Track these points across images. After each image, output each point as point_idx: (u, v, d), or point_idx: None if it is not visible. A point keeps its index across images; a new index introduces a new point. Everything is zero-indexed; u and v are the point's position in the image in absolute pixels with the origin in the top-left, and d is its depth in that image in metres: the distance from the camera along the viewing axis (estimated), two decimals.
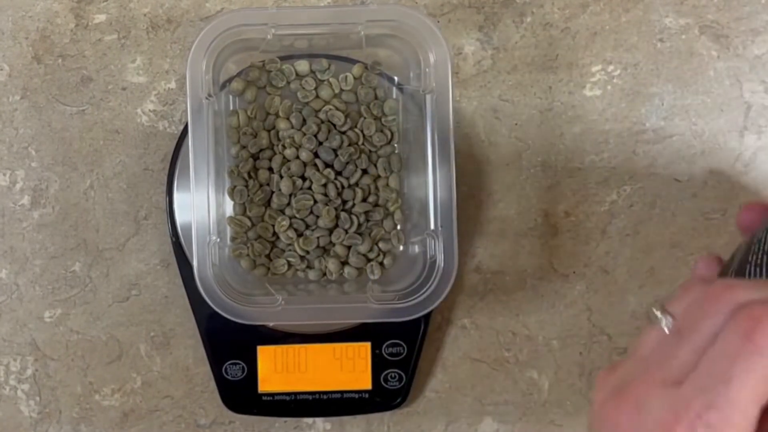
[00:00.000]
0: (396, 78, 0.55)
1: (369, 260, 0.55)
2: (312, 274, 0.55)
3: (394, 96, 0.55)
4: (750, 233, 0.45)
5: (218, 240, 0.51)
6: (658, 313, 0.35)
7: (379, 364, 0.55)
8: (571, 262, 0.58)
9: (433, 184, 0.51)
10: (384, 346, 0.55)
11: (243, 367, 0.55)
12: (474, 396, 0.58)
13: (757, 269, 0.43)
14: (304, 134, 0.54)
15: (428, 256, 0.51)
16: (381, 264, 0.55)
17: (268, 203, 0.54)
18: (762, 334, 0.31)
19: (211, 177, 0.50)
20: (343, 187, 0.54)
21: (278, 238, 0.54)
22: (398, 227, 0.55)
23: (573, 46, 0.57)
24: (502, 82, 0.57)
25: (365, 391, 0.56)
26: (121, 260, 0.57)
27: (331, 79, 0.55)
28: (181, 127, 0.56)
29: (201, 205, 0.50)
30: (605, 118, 0.58)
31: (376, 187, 0.55)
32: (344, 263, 0.55)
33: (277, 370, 0.55)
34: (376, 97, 0.55)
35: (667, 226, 0.58)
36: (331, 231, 0.54)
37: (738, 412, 0.31)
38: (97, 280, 0.57)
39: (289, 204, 0.54)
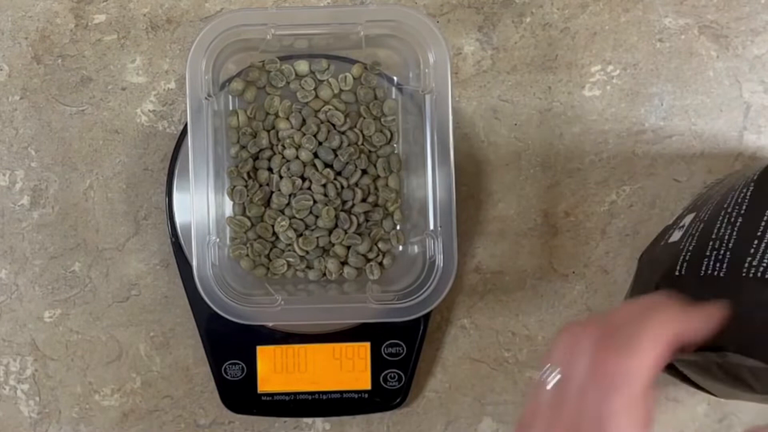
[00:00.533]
0: (395, 78, 0.55)
1: (368, 260, 0.55)
2: (312, 274, 0.55)
3: (394, 96, 0.55)
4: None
5: (218, 240, 0.51)
6: (544, 375, 0.39)
7: (378, 364, 0.55)
8: (570, 262, 0.58)
9: (432, 184, 0.51)
10: (384, 346, 0.55)
11: (242, 367, 0.55)
12: (474, 396, 0.58)
13: (717, 264, 0.44)
14: (304, 134, 0.54)
15: (428, 256, 0.51)
16: (380, 264, 0.55)
17: (267, 203, 0.54)
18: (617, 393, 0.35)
19: (211, 177, 0.50)
20: (342, 187, 0.54)
21: (278, 238, 0.54)
22: (398, 227, 0.55)
23: (572, 46, 0.57)
24: (501, 82, 0.57)
25: (365, 391, 0.56)
26: (120, 260, 0.57)
27: (330, 80, 0.55)
28: (181, 127, 0.56)
29: (200, 205, 0.50)
30: (605, 118, 0.58)
31: (376, 187, 0.55)
32: (344, 263, 0.55)
33: (277, 370, 0.55)
34: (375, 97, 0.55)
35: None
36: (330, 231, 0.54)
37: None
38: (97, 280, 0.57)
39: (288, 204, 0.54)
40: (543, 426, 0.37)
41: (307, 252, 0.54)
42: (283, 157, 0.54)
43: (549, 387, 0.38)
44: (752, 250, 0.43)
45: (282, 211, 0.54)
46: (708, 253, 0.45)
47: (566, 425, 0.36)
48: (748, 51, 0.58)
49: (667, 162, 0.58)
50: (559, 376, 0.38)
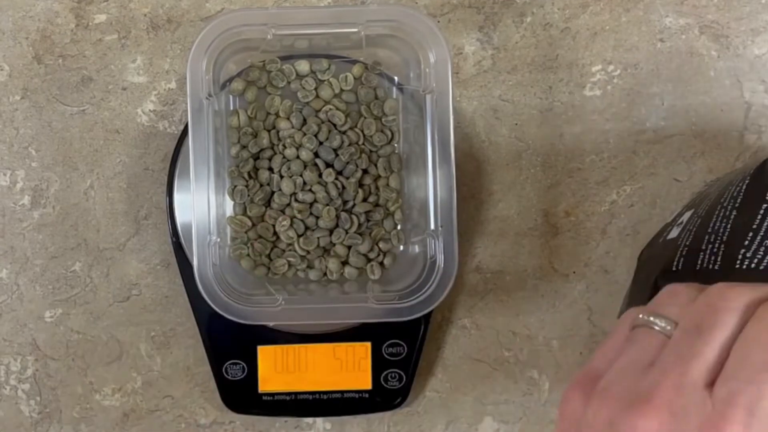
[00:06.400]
0: (396, 78, 0.55)
1: (369, 260, 0.55)
2: (312, 274, 0.55)
3: (394, 96, 0.55)
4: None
5: (218, 240, 0.51)
6: (653, 318, 0.33)
7: (379, 364, 0.55)
8: (571, 262, 0.58)
9: (433, 184, 0.51)
10: (384, 346, 0.55)
11: (243, 367, 0.55)
12: (474, 396, 0.58)
13: (712, 257, 0.44)
14: (305, 134, 0.54)
15: (428, 256, 0.51)
16: (381, 264, 0.55)
17: (268, 203, 0.54)
18: None
19: (211, 177, 0.50)
20: (343, 186, 0.54)
21: (278, 238, 0.54)
22: (398, 227, 0.55)
23: (573, 46, 0.57)
24: (502, 82, 0.57)
25: (365, 391, 0.56)
26: (121, 260, 0.57)
27: (331, 79, 0.55)
28: (182, 127, 0.56)
29: (201, 205, 0.50)
30: (605, 118, 0.58)
31: (377, 187, 0.55)
32: (344, 263, 0.55)
33: (277, 370, 0.55)
34: (376, 97, 0.55)
35: None
36: (331, 231, 0.54)
37: None
38: (98, 280, 0.57)
39: (289, 204, 0.54)
40: (656, 375, 0.31)
41: (308, 252, 0.54)
42: (284, 157, 0.54)
43: (668, 335, 0.32)
44: (746, 242, 0.43)
45: (283, 211, 0.54)
46: (704, 247, 0.45)
47: (702, 375, 0.30)
48: (749, 51, 0.58)
49: (668, 162, 0.58)
50: (671, 328, 0.32)
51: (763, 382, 0.30)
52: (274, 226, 0.54)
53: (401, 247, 0.55)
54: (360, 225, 0.54)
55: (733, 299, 0.32)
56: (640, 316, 0.34)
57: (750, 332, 0.31)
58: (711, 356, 0.31)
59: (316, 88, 0.55)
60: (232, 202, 0.54)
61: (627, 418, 0.30)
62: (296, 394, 0.55)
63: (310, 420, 0.58)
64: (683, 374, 0.31)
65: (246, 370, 0.55)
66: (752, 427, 0.29)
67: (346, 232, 0.54)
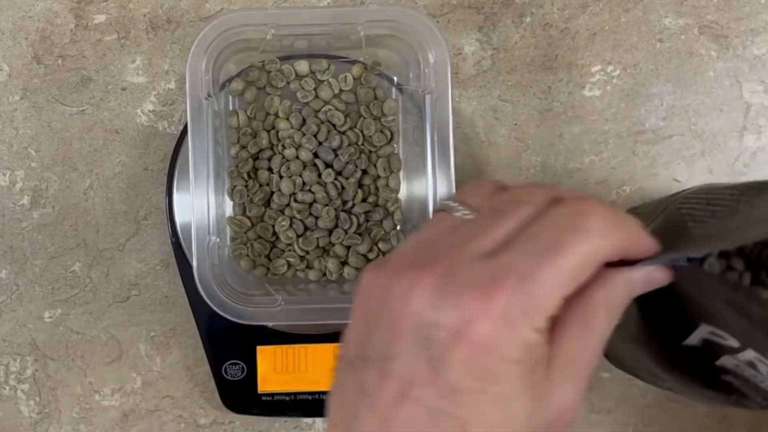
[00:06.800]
0: (395, 78, 0.55)
1: (369, 260, 0.55)
2: (312, 275, 0.55)
3: (394, 96, 0.55)
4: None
5: (218, 240, 0.51)
6: (453, 203, 0.34)
7: None
8: None
9: (432, 184, 0.51)
10: None
11: (243, 367, 0.55)
12: None
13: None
14: (304, 134, 0.54)
15: None
16: None
17: (267, 203, 0.54)
18: (593, 216, 0.31)
19: (211, 177, 0.50)
20: (342, 187, 0.54)
21: (278, 238, 0.54)
22: (398, 227, 0.55)
23: (573, 46, 0.57)
24: (501, 82, 0.57)
25: None
26: (121, 260, 0.57)
27: (330, 80, 0.55)
28: (181, 128, 0.56)
29: (201, 205, 0.50)
30: (605, 118, 0.58)
31: (376, 187, 0.55)
32: (344, 263, 0.55)
33: (277, 370, 0.55)
34: (375, 97, 0.55)
35: None
36: (330, 231, 0.54)
37: (564, 279, 0.30)
38: (97, 280, 0.57)
39: (288, 204, 0.54)
40: (441, 248, 0.32)
41: (308, 252, 0.54)
42: (283, 157, 0.54)
43: (470, 217, 0.33)
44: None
45: (282, 211, 0.54)
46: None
47: (487, 247, 0.31)
48: (749, 51, 0.58)
49: (667, 162, 0.58)
50: (471, 213, 0.33)
51: (545, 257, 0.30)
52: (273, 226, 0.54)
53: None
54: (359, 225, 0.54)
55: (536, 195, 0.33)
56: (442, 201, 0.34)
57: (547, 215, 0.31)
58: (500, 233, 0.31)
59: (315, 89, 0.55)
60: (232, 203, 0.54)
61: (401, 278, 0.31)
62: (296, 394, 0.55)
63: (309, 420, 0.58)
64: (466, 244, 0.31)
65: (245, 371, 0.55)
66: (519, 297, 0.29)
67: (346, 233, 0.54)
